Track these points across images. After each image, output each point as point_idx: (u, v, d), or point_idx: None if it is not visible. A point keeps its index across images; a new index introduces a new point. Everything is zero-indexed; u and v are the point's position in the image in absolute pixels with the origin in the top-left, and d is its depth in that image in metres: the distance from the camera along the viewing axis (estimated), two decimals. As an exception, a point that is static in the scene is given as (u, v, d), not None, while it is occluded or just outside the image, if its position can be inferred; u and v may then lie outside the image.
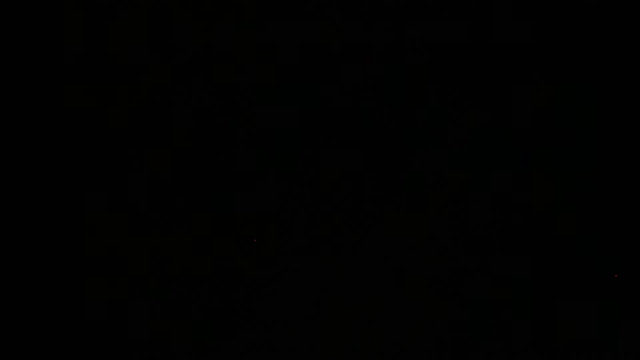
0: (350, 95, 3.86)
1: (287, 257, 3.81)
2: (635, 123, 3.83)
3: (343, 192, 3.84)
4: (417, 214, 3.82)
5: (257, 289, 3.78)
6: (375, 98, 3.86)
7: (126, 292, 3.76)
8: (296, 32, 3.88)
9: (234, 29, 3.88)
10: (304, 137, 3.86)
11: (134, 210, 3.81)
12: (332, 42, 3.88)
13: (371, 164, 3.84)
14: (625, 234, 3.79)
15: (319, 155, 3.85)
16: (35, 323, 3.73)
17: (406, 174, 3.84)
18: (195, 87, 3.88)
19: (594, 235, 3.79)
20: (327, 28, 3.88)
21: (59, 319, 3.73)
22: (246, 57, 3.88)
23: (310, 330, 3.75)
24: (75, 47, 3.85)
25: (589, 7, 3.84)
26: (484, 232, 3.81)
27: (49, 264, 3.77)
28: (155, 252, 3.79)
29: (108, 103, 3.85)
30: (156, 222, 3.81)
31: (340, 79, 3.87)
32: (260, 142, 3.87)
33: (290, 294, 3.79)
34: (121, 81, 3.86)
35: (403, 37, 3.87)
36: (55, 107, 3.84)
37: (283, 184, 3.84)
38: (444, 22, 3.86)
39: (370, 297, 3.77)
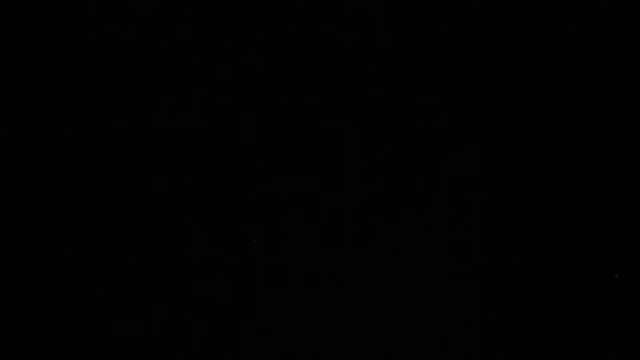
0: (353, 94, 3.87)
1: (287, 256, 3.82)
2: (635, 124, 3.84)
3: (344, 192, 3.85)
4: (416, 214, 3.82)
5: (257, 289, 3.79)
6: (378, 96, 3.87)
7: (126, 292, 3.76)
8: (296, 31, 3.89)
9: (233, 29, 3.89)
10: (305, 135, 3.87)
11: (133, 210, 3.81)
12: (336, 42, 3.89)
13: (372, 163, 3.85)
14: (625, 234, 3.79)
15: (320, 153, 3.86)
16: (37, 322, 3.74)
17: (407, 173, 3.84)
18: (195, 87, 3.88)
19: (594, 235, 3.79)
20: (327, 29, 3.89)
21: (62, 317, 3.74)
22: (247, 56, 3.89)
23: (311, 330, 3.76)
24: (75, 46, 3.86)
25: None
26: (484, 232, 3.81)
27: (50, 264, 3.78)
28: (155, 252, 3.80)
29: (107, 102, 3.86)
30: (155, 222, 3.81)
31: (343, 78, 3.88)
32: (260, 143, 3.87)
33: (291, 294, 3.79)
34: (119, 81, 3.86)
35: (405, 39, 3.87)
36: (53, 107, 3.85)
37: (286, 182, 3.85)
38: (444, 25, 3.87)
39: (372, 297, 3.78)
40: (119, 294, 3.76)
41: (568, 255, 3.78)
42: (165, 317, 3.74)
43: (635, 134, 3.83)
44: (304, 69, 3.89)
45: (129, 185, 3.83)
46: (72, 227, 3.79)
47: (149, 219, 3.81)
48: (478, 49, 3.87)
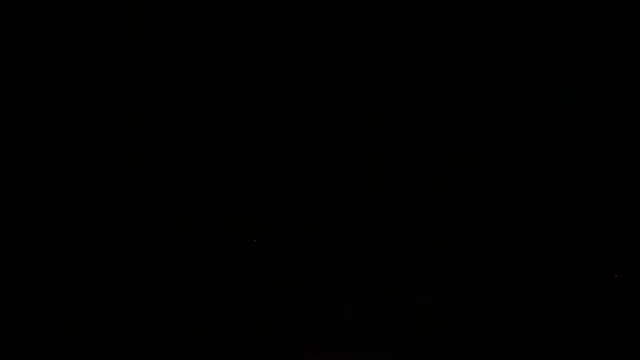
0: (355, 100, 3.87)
1: (287, 256, 3.82)
2: (635, 124, 3.84)
3: (347, 193, 3.85)
4: (416, 214, 3.82)
5: (257, 289, 3.79)
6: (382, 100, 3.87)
7: (126, 292, 3.76)
8: (300, 35, 3.89)
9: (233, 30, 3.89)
10: (308, 136, 3.87)
11: (133, 210, 3.81)
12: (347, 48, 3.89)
13: (374, 166, 3.85)
14: (625, 234, 3.79)
15: (323, 155, 3.86)
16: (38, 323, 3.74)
17: (407, 173, 3.84)
18: (196, 88, 3.89)
19: (594, 235, 3.79)
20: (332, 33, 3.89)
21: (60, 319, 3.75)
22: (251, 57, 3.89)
23: (311, 330, 3.76)
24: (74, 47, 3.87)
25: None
26: (484, 232, 3.81)
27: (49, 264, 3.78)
28: (155, 252, 3.80)
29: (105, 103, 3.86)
30: (155, 222, 3.81)
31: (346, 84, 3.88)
32: (266, 143, 3.87)
33: (291, 294, 3.79)
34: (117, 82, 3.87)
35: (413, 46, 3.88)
36: (51, 106, 3.85)
37: (287, 184, 3.85)
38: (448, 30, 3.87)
39: (373, 299, 3.78)
40: (119, 294, 3.76)
41: (568, 255, 3.78)
42: (166, 317, 3.74)
43: (635, 134, 3.83)
44: (304, 69, 3.88)
45: (129, 185, 3.82)
46: (72, 227, 3.79)
47: (149, 219, 3.81)
48: (478, 49, 3.87)
